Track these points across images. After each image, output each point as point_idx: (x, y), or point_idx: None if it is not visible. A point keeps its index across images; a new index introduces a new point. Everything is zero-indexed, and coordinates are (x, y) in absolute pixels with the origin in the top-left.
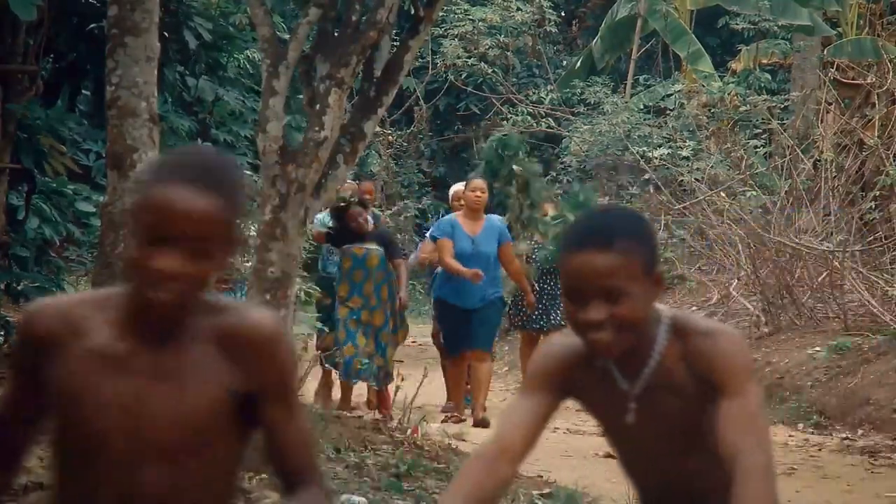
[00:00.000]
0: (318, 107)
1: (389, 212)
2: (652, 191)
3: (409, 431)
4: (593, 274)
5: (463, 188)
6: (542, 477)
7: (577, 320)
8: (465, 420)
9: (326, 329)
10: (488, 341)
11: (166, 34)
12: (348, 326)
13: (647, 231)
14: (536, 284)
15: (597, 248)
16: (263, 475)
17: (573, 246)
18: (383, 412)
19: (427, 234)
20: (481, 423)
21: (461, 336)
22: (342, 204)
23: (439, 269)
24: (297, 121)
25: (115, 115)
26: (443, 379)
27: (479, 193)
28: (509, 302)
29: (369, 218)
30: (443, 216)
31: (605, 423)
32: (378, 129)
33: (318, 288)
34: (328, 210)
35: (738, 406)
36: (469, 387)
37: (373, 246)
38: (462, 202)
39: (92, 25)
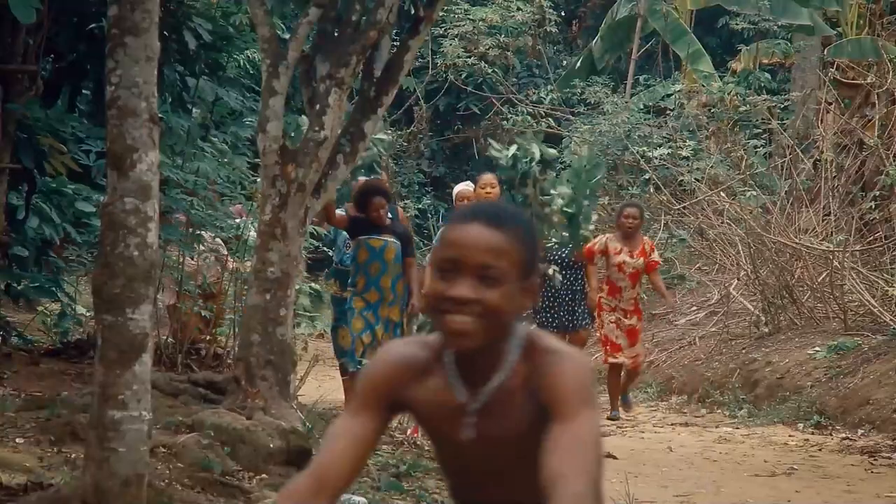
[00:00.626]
0: (318, 107)
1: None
2: (652, 191)
3: (409, 431)
4: (476, 246)
5: (466, 188)
6: None
7: (442, 297)
8: None
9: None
10: None
11: (166, 34)
12: (366, 317)
13: (535, 236)
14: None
15: (486, 223)
16: (263, 475)
17: (460, 218)
18: None
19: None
20: None
21: None
22: (366, 190)
23: None
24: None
25: (114, 114)
26: None
27: (489, 189)
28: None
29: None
30: (443, 216)
31: (439, 439)
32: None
33: (334, 279)
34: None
35: (567, 432)
36: None
37: (390, 238)
38: (467, 202)
39: (92, 25)
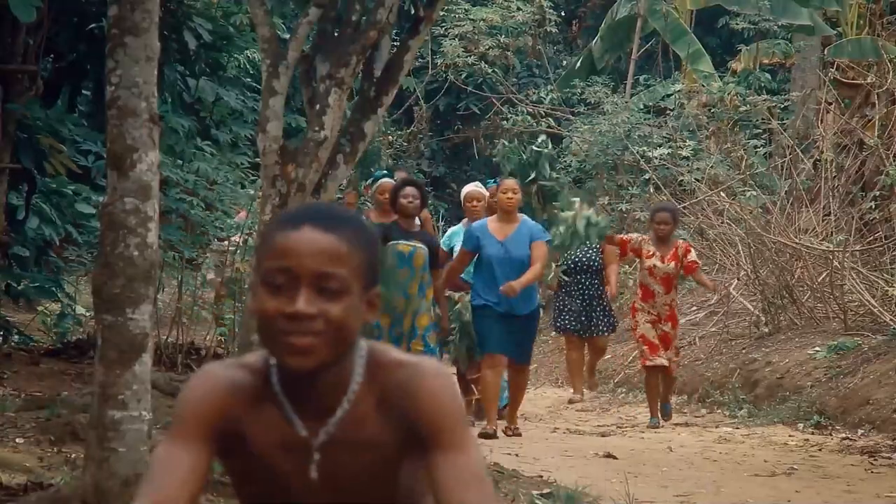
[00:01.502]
0: (318, 107)
1: None
2: (652, 191)
3: None
4: (310, 252)
5: (476, 188)
6: (542, 477)
7: (278, 314)
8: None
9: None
10: (528, 354)
11: (166, 34)
12: (393, 336)
13: (375, 241)
14: (574, 286)
15: (318, 226)
16: None
17: (288, 222)
18: None
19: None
20: (515, 433)
21: (499, 339)
22: (400, 182)
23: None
24: (297, 121)
25: (114, 115)
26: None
27: (510, 195)
28: (554, 305)
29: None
30: (442, 217)
31: (274, 480)
32: (378, 128)
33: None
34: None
35: (461, 463)
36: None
37: (419, 244)
38: (475, 204)
39: (92, 25)
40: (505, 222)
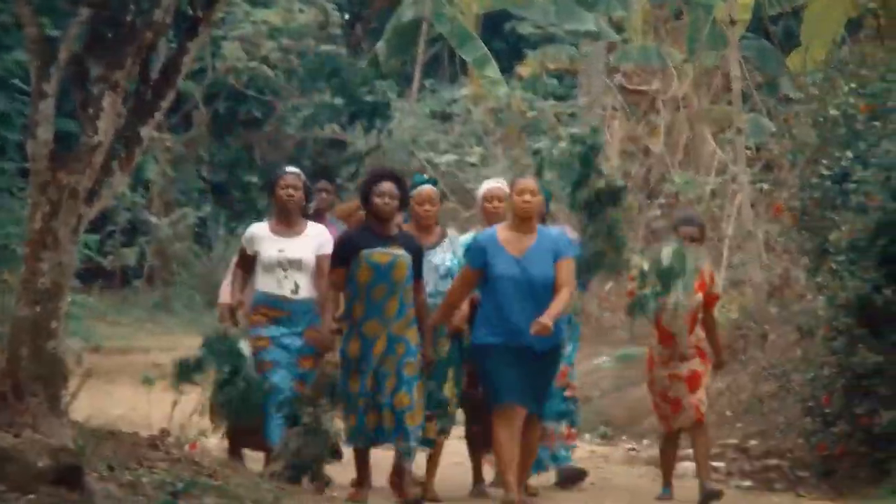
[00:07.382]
0: (91, 110)
1: (167, 220)
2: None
3: (186, 448)
4: None
5: (498, 186)
6: None
7: None
8: None
9: None
10: (542, 403)
11: None
12: (361, 369)
13: None
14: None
15: None
16: (31, 495)
17: None
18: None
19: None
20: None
21: (512, 385)
22: (372, 175)
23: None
24: (69, 125)
25: None
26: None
27: (527, 197)
28: None
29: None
30: (224, 225)
31: None
32: (154, 133)
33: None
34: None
35: None
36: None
37: (399, 251)
38: (496, 205)
39: None
40: (521, 233)
